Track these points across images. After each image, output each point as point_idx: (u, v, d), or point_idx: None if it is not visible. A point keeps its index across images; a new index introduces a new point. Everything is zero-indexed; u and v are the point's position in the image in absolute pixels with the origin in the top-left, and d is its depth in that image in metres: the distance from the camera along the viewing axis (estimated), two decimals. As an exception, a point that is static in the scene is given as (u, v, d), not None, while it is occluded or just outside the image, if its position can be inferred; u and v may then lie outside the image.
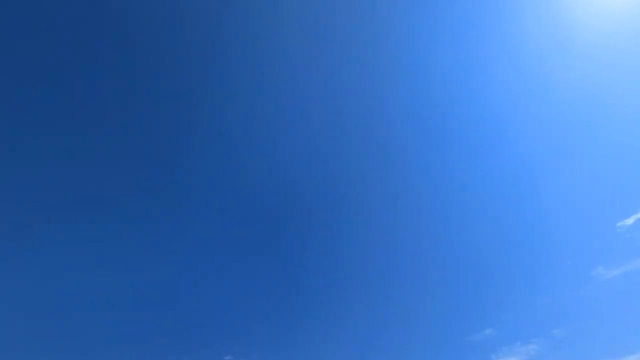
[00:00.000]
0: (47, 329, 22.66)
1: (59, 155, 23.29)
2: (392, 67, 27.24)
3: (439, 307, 26.11)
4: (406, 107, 27.76)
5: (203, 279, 26.17)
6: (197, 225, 26.26)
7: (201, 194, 26.36)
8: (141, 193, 25.06)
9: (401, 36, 26.62)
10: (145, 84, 24.51)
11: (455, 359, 24.57)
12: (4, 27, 20.94)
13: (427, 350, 24.82)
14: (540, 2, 26.49)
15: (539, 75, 27.17)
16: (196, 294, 25.86)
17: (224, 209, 26.56)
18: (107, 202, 24.38)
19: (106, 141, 24.23)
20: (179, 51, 24.64)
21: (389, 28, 26.34)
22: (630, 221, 23.36)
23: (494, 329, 24.85)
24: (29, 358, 21.49)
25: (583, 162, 26.27)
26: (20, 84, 21.91)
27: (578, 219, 25.56)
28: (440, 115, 27.99)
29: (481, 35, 26.95)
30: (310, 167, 27.56)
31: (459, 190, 27.46)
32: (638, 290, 23.08)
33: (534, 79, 27.30)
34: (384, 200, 27.83)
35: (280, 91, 26.50)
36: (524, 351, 24.06)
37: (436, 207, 27.48)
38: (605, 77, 26.31)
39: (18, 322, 22.15)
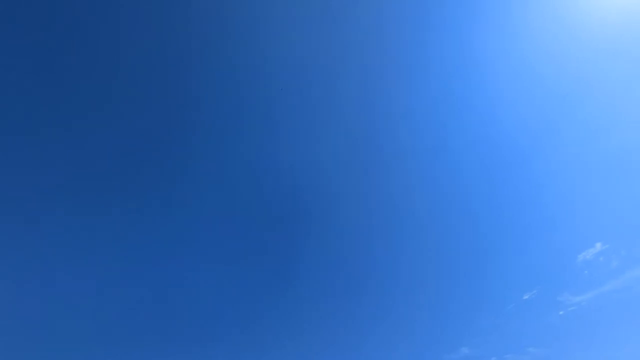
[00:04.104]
0: (44, 328, 22.91)
1: (58, 154, 23.35)
2: (392, 68, 27.12)
3: (418, 327, 28.13)
4: (406, 107, 27.70)
5: (201, 279, 26.40)
6: (195, 225, 26.36)
7: (199, 194, 26.41)
8: (139, 193, 25.11)
9: (401, 36, 26.51)
10: (142, 83, 24.45)
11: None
12: (5, 26, 20.95)
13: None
14: (541, 2, 26.24)
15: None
16: (193, 294, 26.15)
17: (223, 209, 26.64)
18: (105, 202, 24.48)
19: (104, 140, 24.24)
20: (177, 50, 24.57)
21: (390, 28, 26.23)
22: (589, 256, 27.04)
23: (469, 348, 27.31)
24: (25, 357, 21.73)
25: (551, 196, 28.21)
26: (20, 83, 21.96)
27: (543, 250, 28.21)
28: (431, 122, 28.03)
29: (481, 35, 26.75)
30: (309, 167, 27.60)
31: (437, 214, 28.41)
32: (602, 312, 27.06)
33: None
34: (372, 218, 28.35)
35: (278, 90, 26.47)
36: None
37: (417, 231, 28.45)
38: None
39: (14, 322, 22.36)
